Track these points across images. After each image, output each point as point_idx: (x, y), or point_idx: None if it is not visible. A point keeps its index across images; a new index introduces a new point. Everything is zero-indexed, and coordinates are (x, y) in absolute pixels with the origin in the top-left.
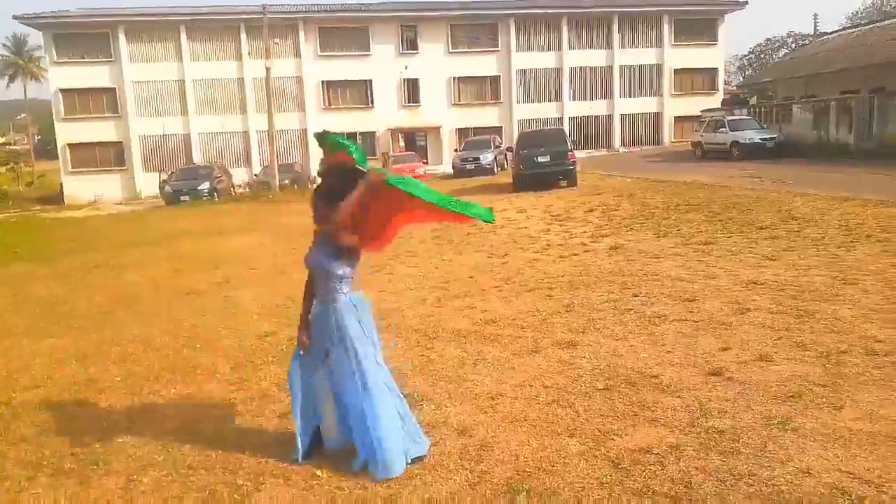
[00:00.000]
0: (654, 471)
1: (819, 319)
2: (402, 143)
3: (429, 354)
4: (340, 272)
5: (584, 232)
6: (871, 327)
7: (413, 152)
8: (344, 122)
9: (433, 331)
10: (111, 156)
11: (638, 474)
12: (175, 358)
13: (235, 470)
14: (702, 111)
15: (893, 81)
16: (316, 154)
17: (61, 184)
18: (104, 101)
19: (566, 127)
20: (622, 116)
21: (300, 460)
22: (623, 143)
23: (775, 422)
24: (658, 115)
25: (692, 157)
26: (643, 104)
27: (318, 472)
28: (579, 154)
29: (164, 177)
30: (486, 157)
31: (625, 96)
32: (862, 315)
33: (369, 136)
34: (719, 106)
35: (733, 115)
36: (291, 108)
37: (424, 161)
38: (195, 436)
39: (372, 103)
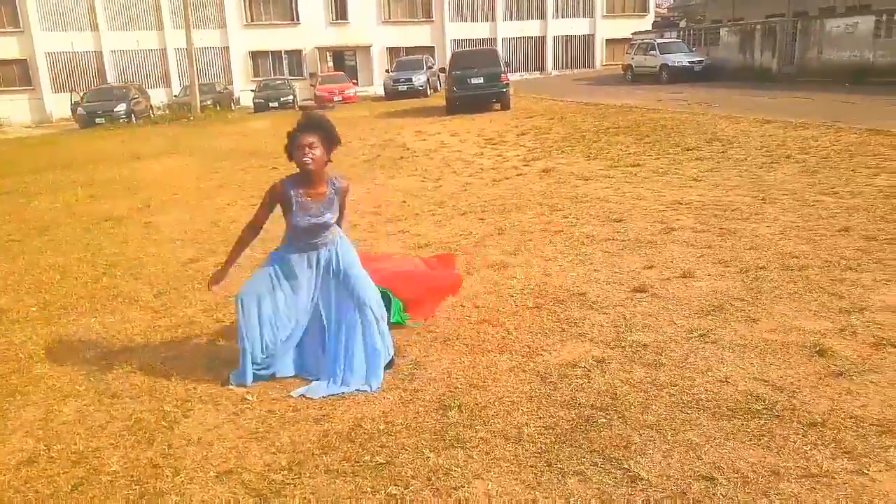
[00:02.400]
0: (581, 384)
1: (740, 237)
2: (330, 63)
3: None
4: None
5: (517, 155)
6: (788, 244)
7: (343, 73)
8: (268, 39)
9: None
10: (15, 74)
11: (566, 387)
12: (94, 286)
13: (162, 397)
14: (632, 34)
15: (815, 6)
16: (239, 73)
17: None
18: (2, 12)
19: (499, 48)
20: (555, 38)
21: (248, 383)
22: (556, 66)
23: (696, 335)
24: (590, 38)
25: (623, 81)
26: (575, 25)
27: (248, 396)
28: (512, 77)
29: (77, 98)
30: (419, 78)
31: (558, 17)
32: (780, 232)
33: (295, 55)
34: (650, 28)
35: (663, 38)
36: (212, 24)
37: (354, 82)
38: (118, 364)
39: (297, 19)
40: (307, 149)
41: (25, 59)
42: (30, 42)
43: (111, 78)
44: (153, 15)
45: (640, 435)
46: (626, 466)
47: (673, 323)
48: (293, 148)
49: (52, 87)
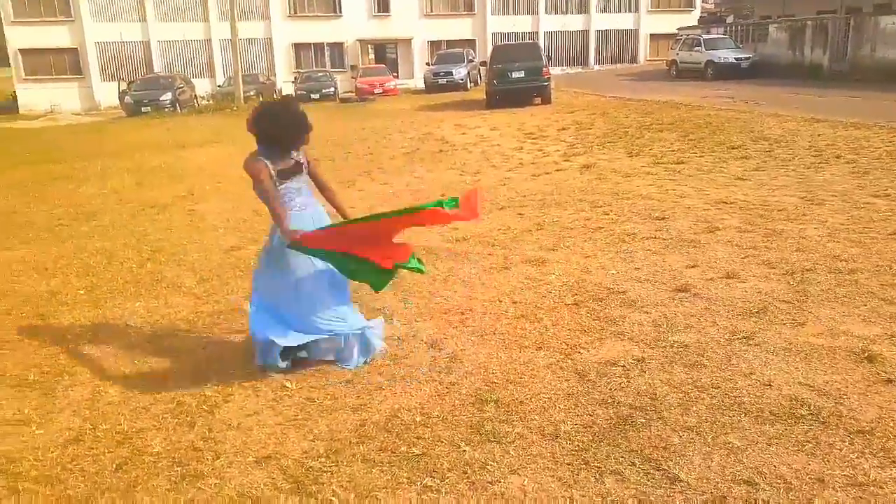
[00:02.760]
0: (620, 383)
1: (786, 238)
2: (371, 56)
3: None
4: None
5: (557, 150)
6: (836, 246)
7: (383, 65)
8: (310, 31)
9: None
10: (67, 63)
11: (604, 386)
12: (139, 271)
13: (203, 382)
14: (678, 29)
15: (870, 2)
16: (282, 65)
17: (14, 92)
18: (56, 2)
19: (541, 42)
20: (598, 32)
21: (280, 364)
22: (598, 61)
23: (739, 336)
24: (634, 32)
25: (667, 76)
26: (619, 20)
27: (287, 384)
28: (554, 71)
29: (124, 87)
30: (459, 72)
31: (602, 11)
32: (828, 234)
33: (337, 48)
34: (696, 24)
35: (709, 33)
36: (256, 15)
37: (395, 75)
38: (162, 348)
39: (340, 11)
40: None
41: (76, 49)
42: (81, 32)
43: (158, 68)
44: (200, 6)
45: (680, 436)
46: (665, 468)
47: (715, 324)
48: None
49: (101, 76)
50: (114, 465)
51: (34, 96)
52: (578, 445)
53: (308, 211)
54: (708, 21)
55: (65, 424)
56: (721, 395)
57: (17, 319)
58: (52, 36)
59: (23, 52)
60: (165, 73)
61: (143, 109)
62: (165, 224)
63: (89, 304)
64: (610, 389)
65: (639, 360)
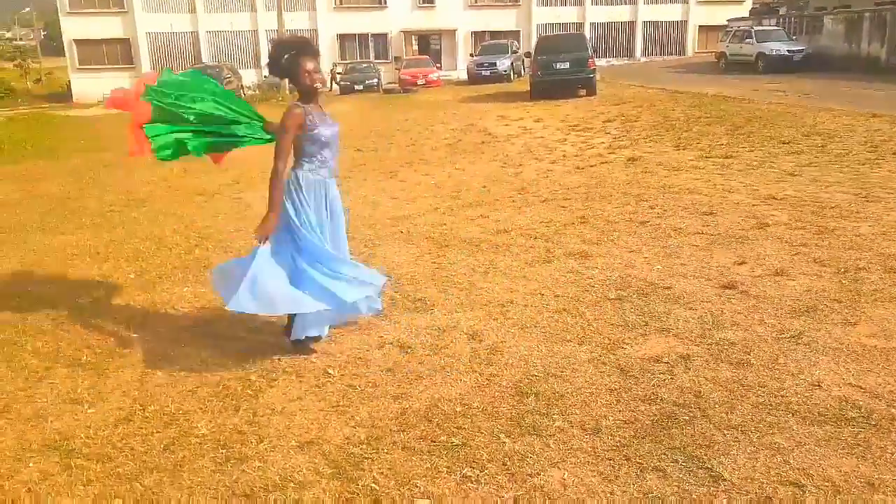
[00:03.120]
0: (664, 379)
1: (838, 236)
2: (415, 47)
3: (440, 262)
4: None
5: (602, 143)
6: (892, 245)
7: (427, 56)
8: (355, 22)
9: (445, 239)
10: (119, 53)
11: (647, 382)
12: (187, 257)
13: (248, 366)
14: (728, 20)
15: None
16: (327, 55)
17: (69, 81)
18: None
19: (587, 33)
20: (645, 24)
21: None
22: (644, 53)
23: (788, 335)
24: (682, 24)
25: (715, 69)
26: (667, 11)
27: (330, 370)
28: (599, 62)
29: None
30: (503, 63)
31: (649, 2)
32: (882, 233)
33: (381, 39)
34: (747, 15)
35: (761, 25)
36: (302, 6)
37: (438, 66)
38: (208, 333)
39: (385, 2)
40: (315, 73)
41: (128, 39)
42: (133, 23)
43: (206, 58)
44: None
45: (725, 435)
46: (709, 466)
47: (763, 322)
48: (299, 72)
49: (151, 66)
50: (161, 446)
51: (87, 85)
52: (620, 441)
53: (322, 176)
54: (759, 12)
55: (115, 404)
56: (768, 395)
57: (71, 301)
58: (106, 26)
59: (77, 42)
60: (213, 63)
61: None
62: (212, 211)
63: (139, 288)
64: (653, 386)
65: (683, 357)
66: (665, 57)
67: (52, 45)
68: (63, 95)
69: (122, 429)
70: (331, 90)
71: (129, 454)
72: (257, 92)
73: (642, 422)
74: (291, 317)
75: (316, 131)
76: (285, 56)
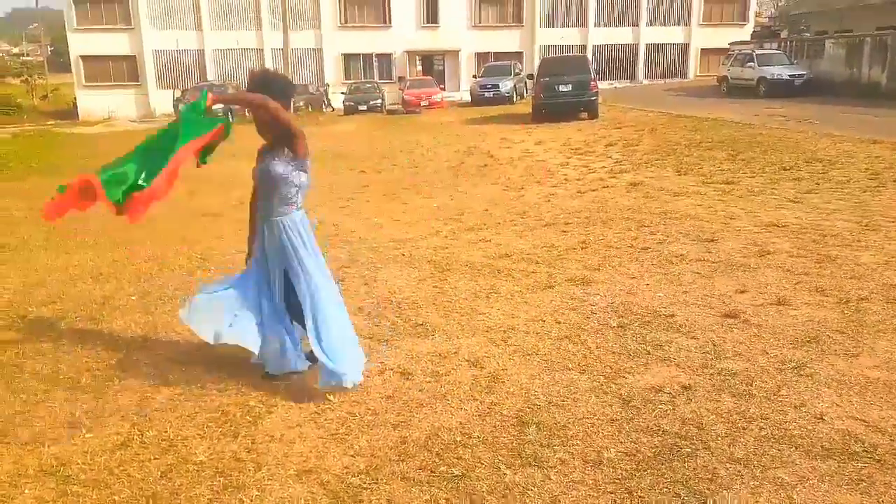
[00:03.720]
0: (665, 410)
1: (840, 265)
2: (419, 67)
3: (442, 286)
4: (299, 182)
5: (603, 167)
6: (894, 275)
7: (431, 77)
8: (360, 41)
9: (446, 262)
10: (125, 70)
11: (648, 413)
12: (190, 279)
13: (248, 392)
14: (730, 44)
15: None
16: (332, 75)
17: (75, 98)
18: (117, 11)
19: (590, 55)
20: (647, 46)
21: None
22: (646, 75)
23: (790, 366)
24: (684, 47)
25: (717, 92)
26: (670, 34)
27: (330, 397)
28: (601, 85)
29: (178, 94)
30: (506, 85)
31: (651, 24)
32: (884, 262)
33: (385, 59)
34: (749, 39)
35: (762, 48)
36: (307, 25)
37: (442, 87)
38: (209, 357)
39: (389, 21)
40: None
41: (134, 56)
42: (139, 40)
43: (211, 76)
44: (253, 15)
45: (727, 469)
46: (712, 501)
47: (765, 352)
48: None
49: (157, 84)
50: (159, 472)
51: (93, 102)
52: (622, 474)
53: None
54: (761, 36)
55: (114, 429)
56: (770, 427)
57: (72, 322)
58: (112, 43)
59: (84, 58)
60: (218, 82)
61: None
62: (216, 232)
63: (140, 310)
64: (655, 417)
65: (685, 388)
66: (667, 80)
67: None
68: (69, 112)
69: (120, 454)
70: (324, 110)
71: (125, 481)
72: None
73: (644, 454)
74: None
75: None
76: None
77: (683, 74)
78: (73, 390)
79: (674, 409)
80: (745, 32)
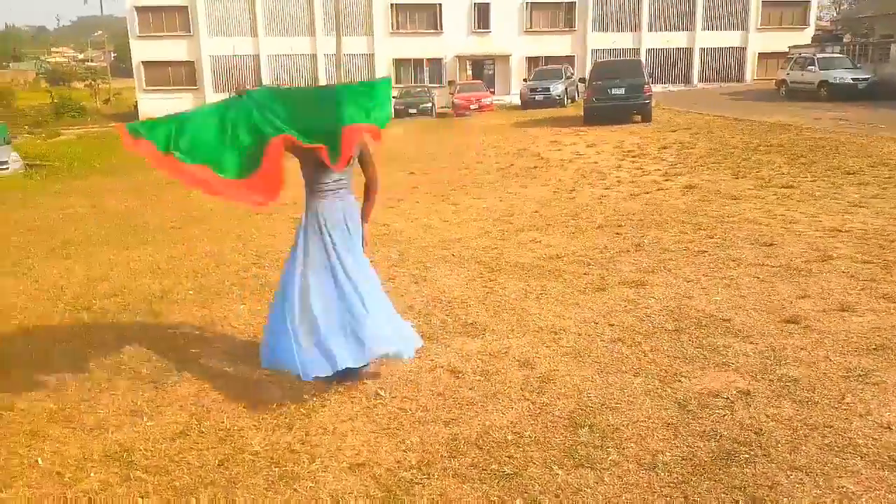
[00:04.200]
0: (723, 415)
1: None
2: (469, 72)
3: (491, 286)
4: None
5: (658, 170)
6: None
7: (481, 81)
8: (411, 47)
9: (496, 263)
10: (183, 75)
11: (705, 417)
12: (244, 275)
13: (301, 386)
14: (790, 47)
15: None
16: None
17: (136, 102)
18: (177, 19)
19: (643, 59)
20: (702, 50)
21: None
22: (702, 79)
23: (855, 374)
24: (741, 51)
25: (776, 96)
26: (726, 38)
27: (381, 392)
28: (655, 88)
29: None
30: (557, 88)
31: (707, 29)
32: None
33: (436, 64)
34: (809, 42)
35: (824, 52)
36: (360, 31)
37: (491, 91)
38: None
39: (441, 27)
40: None
41: (193, 62)
42: (197, 46)
43: (266, 80)
44: (307, 22)
45: (788, 476)
46: None
47: (828, 359)
48: None
49: (213, 88)
50: (216, 461)
51: (153, 106)
52: (677, 478)
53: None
54: (822, 39)
55: (173, 418)
56: (834, 436)
57: (134, 316)
58: (172, 49)
59: (145, 64)
60: (273, 86)
61: None
62: (269, 230)
63: (197, 304)
64: (712, 421)
65: (744, 393)
66: (723, 84)
67: (122, 66)
68: (130, 115)
69: (179, 443)
70: None
71: (185, 468)
72: None
73: (701, 458)
74: None
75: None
76: None
77: (740, 78)
78: (134, 380)
79: (732, 415)
80: (805, 36)
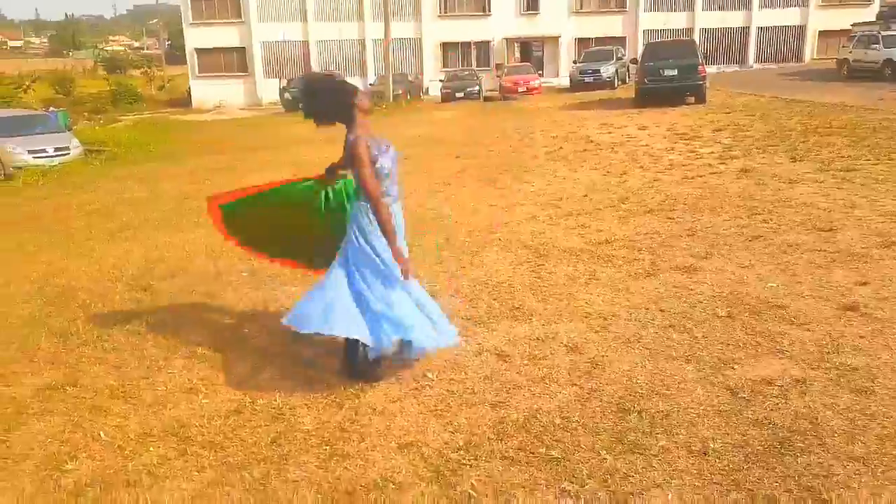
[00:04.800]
0: (777, 403)
1: None
2: (517, 54)
3: (539, 271)
4: None
5: (712, 153)
6: None
7: (529, 63)
8: (458, 30)
9: (544, 247)
10: (235, 61)
11: (758, 405)
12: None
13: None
14: (853, 25)
15: None
16: (430, 63)
17: (189, 88)
18: (228, 5)
19: (697, 39)
20: (759, 29)
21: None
22: (758, 59)
23: None
24: (800, 29)
25: (836, 76)
26: (784, 16)
27: (429, 374)
28: (708, 69)
29: (284, 84)
30: (607, 69)
31: (764, 7)
32: None
33: (483, 46)
34: (874, 19)
35: (889, 29)
36: (407, 16)
37: (540, 73)
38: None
39: (489, 10)
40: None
41: (244, 48)
42: (248, 32)
43: (315, 66)
44: (356, 7)
45: (845, 466)
46: (826, 498)
47: (889, 347)
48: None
49: (263, 73)
50: (269, 438)
51: (205, 91)
52: (728, 465)
53: (397, 206)
54: (888, 16)
55: (227, 396)
56: (894, 426)
57: (189, 296)
58: (224, 36)
59: (198, 51)
60: (322, 71)
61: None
62: None
63: (251, 285)
64: (765, 409)
65: (799, 381)
66: (780, 64)
67: (176, 54)
68: (183, 101)
69: (233, 420)
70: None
71: (239, 445)
72: None
73: (753, 446)
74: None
75: (378, 164)
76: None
77: (799, 58)
78: (190, 359)
79: (786, 403)
80: (869, 13)
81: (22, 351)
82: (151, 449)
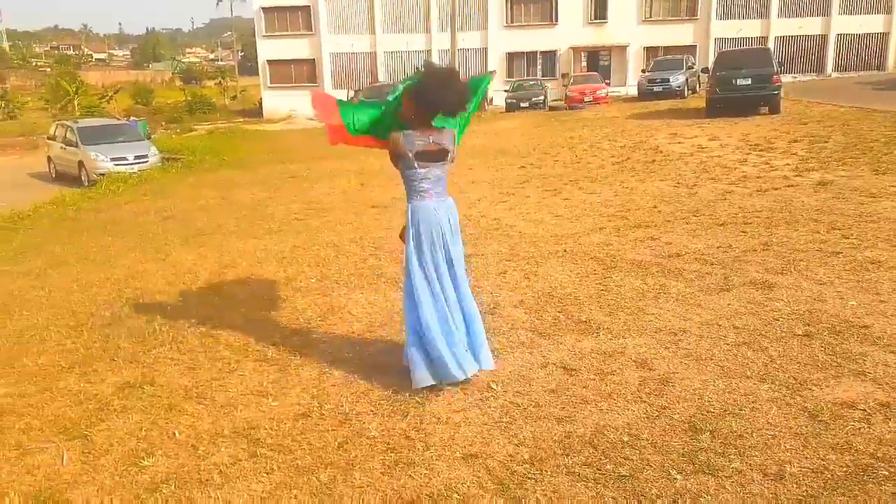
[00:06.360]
0: (859, 428)
1: None
2: (584, 63)
3: (606, 283)
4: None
5: (787, 164)
6: None
7: (595, 73)
8: (524, 40)
9: (611, 259)
10: (304, 72)
11: (839, 429)
12: (362, 265)
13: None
14: None
15: None
16: (497, 73)
17: (260, 98)
18: (300, 18)
19: (771, 47)
20: (838, 36)
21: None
22: (836, 68)
23: None
24: (884, 36)
25: None
26: (866, 23)
27: (494, 385)
28: (784, 78)
29: (352, 94)
30: (677, 79)
31: (844, 13)
32: None
33: (549, 56)
34: None
35: None
36: (474, 26)
37: (607, 82)
38: (379, 339)
39: (556, 20)
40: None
41: (314, 59)
42: (318, 44)
43: (382, 77)
44: (423, 18)
45: None
46: None
47: None
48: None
49: (332, 84)
50: (336, 443)
51: (276, 102)
52: (806, 491)
53: (431, 202)
54: None
55: (296, 399)
56: None
57: (260, 300)
58: (295, 48)
59: (270, 62)
60: (388, 82)
61: None
62: (385, 223)
63: (319, 291)
64: (846, 434)
65: (883, 405)
66: (861, 72)
67: (248, 65)
68: (255, 111)
69: (302, 423)
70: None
71: (306, 448)
72: None
73: (833, 472)
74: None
75: (401, 150)
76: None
77: (881, 66)
78: (260, 362)
79: (869, 428)
80: None
81: (104, 350)
82: (223, 449)
